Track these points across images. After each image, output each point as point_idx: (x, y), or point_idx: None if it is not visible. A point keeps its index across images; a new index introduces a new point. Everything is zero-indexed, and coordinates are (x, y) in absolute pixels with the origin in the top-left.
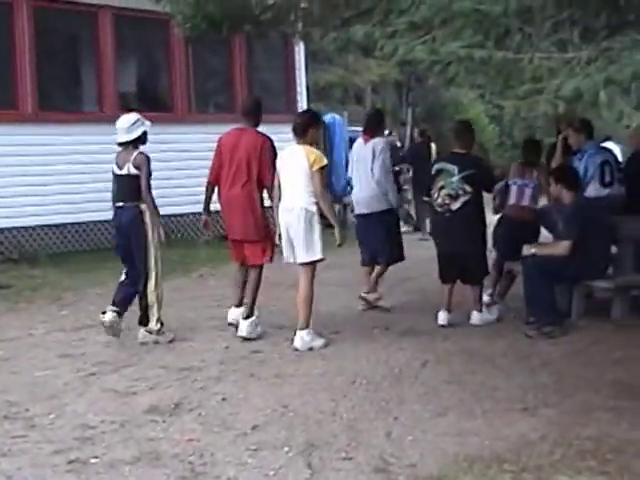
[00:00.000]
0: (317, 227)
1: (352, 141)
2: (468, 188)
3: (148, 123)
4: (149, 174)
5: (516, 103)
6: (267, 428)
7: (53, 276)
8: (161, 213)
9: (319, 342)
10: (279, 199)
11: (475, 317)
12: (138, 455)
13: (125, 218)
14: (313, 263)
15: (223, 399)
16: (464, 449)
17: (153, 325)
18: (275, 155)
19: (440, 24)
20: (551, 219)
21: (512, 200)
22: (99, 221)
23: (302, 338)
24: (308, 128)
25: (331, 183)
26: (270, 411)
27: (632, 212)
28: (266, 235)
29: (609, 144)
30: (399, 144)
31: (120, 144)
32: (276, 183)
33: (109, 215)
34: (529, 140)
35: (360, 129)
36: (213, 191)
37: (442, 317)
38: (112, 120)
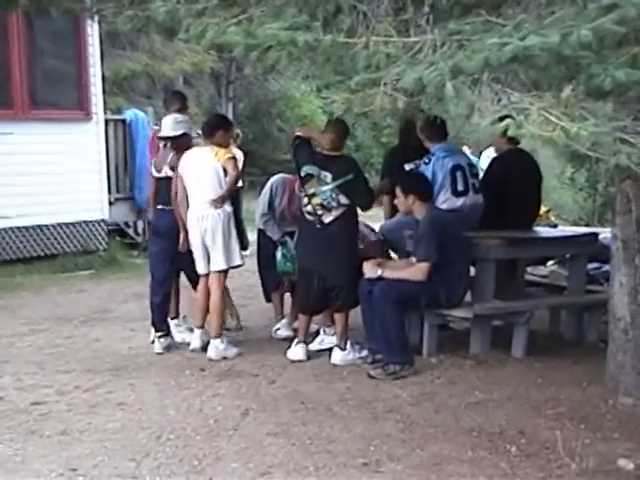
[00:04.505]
0: (234, 231)
1: None
2: (344, 200)
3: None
4: None
5: (348, 96)
6: None
7: None
8: None
9: (233, 351)
10: (187, 206)
11: (336, 356)
12: None
13: (164, 222)
14: (228, 270)
15: None
16: None
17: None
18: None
19: (258, 1)
20: (397, 236)
21: None
22: None
23: (216, 347)
24: (216, 130)
25: (133, 195)
26: (55, 476)
27: (492, 226)
28: None
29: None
30: None
31: (160, 138)
32: (180, 187)
33: None
34: None
35: None
36: None
37: (299, 351)
38: None
